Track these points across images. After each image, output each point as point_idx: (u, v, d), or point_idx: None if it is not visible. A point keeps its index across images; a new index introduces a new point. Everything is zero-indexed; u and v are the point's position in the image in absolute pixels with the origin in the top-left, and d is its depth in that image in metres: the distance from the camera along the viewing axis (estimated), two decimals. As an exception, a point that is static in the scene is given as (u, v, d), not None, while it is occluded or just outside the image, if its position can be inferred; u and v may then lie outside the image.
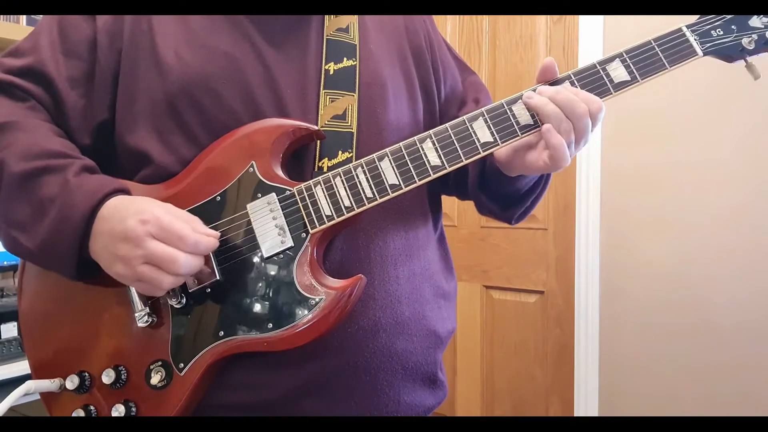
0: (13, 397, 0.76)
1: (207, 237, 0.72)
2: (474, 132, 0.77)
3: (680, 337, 1.98)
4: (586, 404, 2.18)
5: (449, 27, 2.61)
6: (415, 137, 0.77)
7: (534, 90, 0.77)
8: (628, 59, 0.77)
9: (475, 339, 2.53)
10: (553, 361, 2.32)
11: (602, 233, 2.16)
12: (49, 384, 0.78)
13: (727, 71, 0.90)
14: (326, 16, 0.87)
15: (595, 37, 2.14)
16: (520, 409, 2.41)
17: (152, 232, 0.69)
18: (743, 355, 1.86)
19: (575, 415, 2.22)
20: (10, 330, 1.60)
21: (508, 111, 0.77)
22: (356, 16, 0.89)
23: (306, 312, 0.72)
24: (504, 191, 0.89)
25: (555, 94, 0.75)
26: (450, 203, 2.53)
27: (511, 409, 2.44)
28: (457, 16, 2.57)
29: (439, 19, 2.60)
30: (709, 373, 1.92)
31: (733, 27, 0.78)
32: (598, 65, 0.78)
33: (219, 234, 0.75)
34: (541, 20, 2.33)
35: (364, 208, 0.76)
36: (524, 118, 0.77)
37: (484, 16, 2.49)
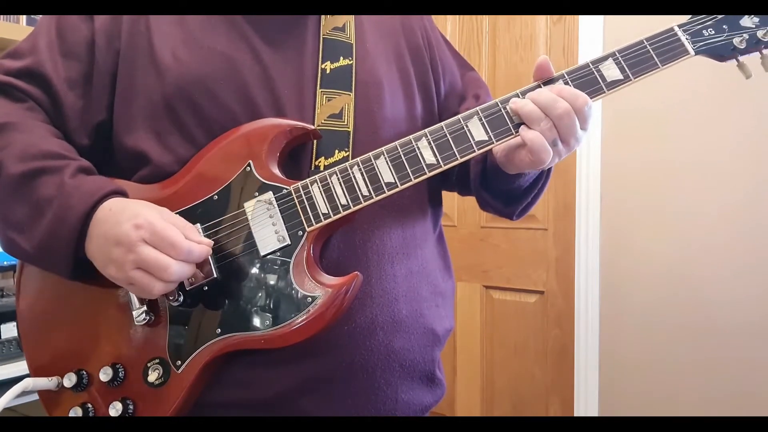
0: (11, 395, 0.76)
1: (199, 245, 0.72)
2: (469, 130, 0.77)
3: (680, 337, 1.98)
4: (586, 404, 2.18)
5: (449, 27, 2.61)
6: (411, 136, 0.77)
7: (527, 90, 0.78)
8: (620, 58, 0.78)
9: (475, 339, 2.53)
10: (553, 361, 2.32)
11: (602, 233, 2.16)
12: (46, 382, 0.79)
13: (726, 72, 0.90)
14: (322, 16, 0.87)
15: (595, 37, 2.14)
16: (520, 409, 2.41)
17: (145, 237, 0.69)
18: (743, 355, 1.86)
19: (575, 415, 2.22)
20: (10, 330, 1.61)
21: (502, 109, 0.78)
22: (353, 16, 0.89)
23: (303, 309, 0.73)
24: (505, 188, 0.90)
25: (537, 95, 0.76)
26: (450, 203, 2.53)
27: (511, 409, 2.44)
28: (457, 16, 2.58)
29: (439, 19, 2.60)
30: (709, 373, 1.92)
31: (724, 27, 0.78)
32: (591, 65, 0.78)
33: (212, 242, 0.75)
34: (541, 20, 2.33)
35: (361, 206, 0.76)
36: (518, 116, 0.77)
37: (484, 16, 2.49)
